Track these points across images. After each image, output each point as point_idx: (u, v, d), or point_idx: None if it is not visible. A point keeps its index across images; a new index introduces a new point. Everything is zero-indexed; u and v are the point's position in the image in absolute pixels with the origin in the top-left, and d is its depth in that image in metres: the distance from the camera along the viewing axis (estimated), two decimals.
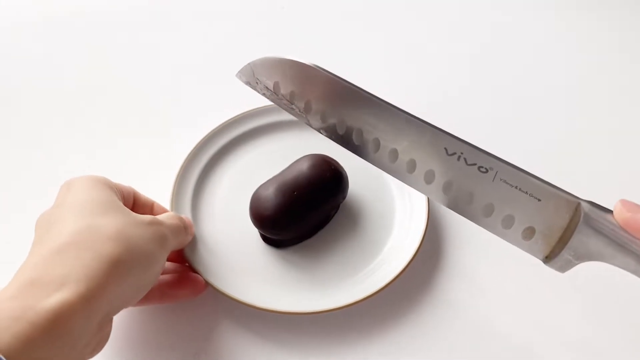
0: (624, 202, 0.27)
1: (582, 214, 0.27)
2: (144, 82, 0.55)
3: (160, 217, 0.35)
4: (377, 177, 0.44)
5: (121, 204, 0.33)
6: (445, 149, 0.30)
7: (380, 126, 0.31)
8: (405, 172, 0.32)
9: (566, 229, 0.28)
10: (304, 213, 0.39)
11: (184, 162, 0.44)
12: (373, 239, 0.42)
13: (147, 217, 0.33)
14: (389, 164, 0.32)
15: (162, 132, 0.51)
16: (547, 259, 0.30)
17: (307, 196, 0.39)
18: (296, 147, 0.44)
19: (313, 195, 0.39)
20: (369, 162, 0.33)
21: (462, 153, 0.29)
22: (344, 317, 0.38)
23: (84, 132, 0.50)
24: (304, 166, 0.40)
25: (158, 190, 0.42)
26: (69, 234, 0.29)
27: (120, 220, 0.31)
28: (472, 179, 0.30)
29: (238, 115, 0.47)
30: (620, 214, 0.27)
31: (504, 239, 0.30)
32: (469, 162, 0.29)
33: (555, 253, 0.29)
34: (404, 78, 0.57)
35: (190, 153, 0.45)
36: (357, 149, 0.33)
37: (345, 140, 0.33)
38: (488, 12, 0.63)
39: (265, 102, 0.47)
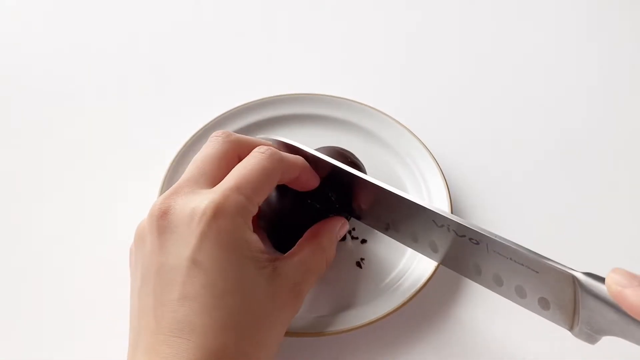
0: (616, 273, 0.24)
1: (580, 288, 0.26)
2: (139, 74, 0.52)
3: (303, 267, 0.31)
4: (390, 170, 0.42)
5: (255, 274, 0.28)
6: (433, 221, 0.31)
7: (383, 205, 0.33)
8: (411, 242, 0.34)
9: (575, 301, 0.27)
10: (320, 217, 0.35)
11: (176, 156, 0.40)
12: (393, 246, 0.37)
13: (288, 303, 0.29)
14: (396, 235, 0.34)
15: (153, 122, 0.48)
16: (572, 330, 0.28)
17: (323, 198, 0.35)
18: (306, 142, 0.40)
19: (328, 196, 0.35)
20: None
21: (449, 225, 0.30)
22: (355, 335, 0.34)
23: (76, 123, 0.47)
24: None
25: (148, 187, 0.39)
26: (202, 356, 0.25)
27: (257, 333, 0.27)
28: (469, 250, 0.30)
29: (240, 107, 0.44)
30: (610, 288, 0.24)
31: (525, 308, 0.30)
32: (459, 234, 0.30)
33: (576, 324, 0.27)
34: (408, 75, 0.54)
35: (183, 146, 0.41)
36: (369, 224, 0.36)
37: (357, 216, 0.36)
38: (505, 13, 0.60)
39: (269, 93, 0.45)
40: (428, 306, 0.36)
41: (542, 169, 0.45)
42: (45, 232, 0.40)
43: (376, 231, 0.36)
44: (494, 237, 0.28)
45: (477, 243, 0.29)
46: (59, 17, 0.57)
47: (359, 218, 0.36)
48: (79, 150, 0.45)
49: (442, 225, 0.30)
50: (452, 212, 0.38)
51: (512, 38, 0.57)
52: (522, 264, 0.28)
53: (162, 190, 0.38)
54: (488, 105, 0.50)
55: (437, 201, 0.39)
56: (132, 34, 0.55)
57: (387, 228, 0.34)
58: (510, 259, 0.28)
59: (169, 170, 0.39)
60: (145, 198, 0.37)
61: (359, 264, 0.37)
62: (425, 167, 0.41)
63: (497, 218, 0.41)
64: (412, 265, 0.36)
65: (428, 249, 0.33)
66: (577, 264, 0.27)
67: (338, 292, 0.36)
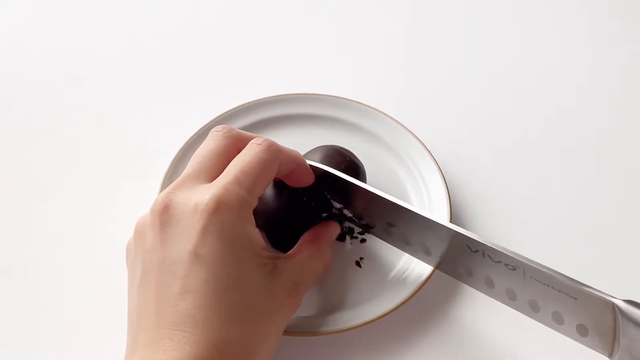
0: None
1: (620, 316, 0.25)
2: (139, 74, 0.52)
3: (300, 270, 0.31)
4: (389, 170, 0.42)
5: (256, 270, 0.28)
6: (468, 246, 0.30)
7: (406, 224, 0.33)
8: (441, 265, 0.33)
9: (615, 328, 0.26)
10: (315, 216, 0.35)
11: (175, 156, 0.40)
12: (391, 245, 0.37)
13: (288, 300, 0.29)
14: (425, 257, 0.34)
15: (153, 122, 0.47)
16: (611, 357, 0.27)
17: (319, 197, 0.35)
18: (306, 142, 0.40)
19: (324, 195, 0.35)
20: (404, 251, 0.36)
21: (484, 251, 0.29)
22: (355, 335, 0.34)
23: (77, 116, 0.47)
24: (315, 159, 0.36)
25: (147, 187, 0.39)
26: (204, 349, 0.25)
27: (258, 328, 0.27)
28: (504, 275, 0.29)
29: (239, 106, 0.43)
30: None
31: (562, 334, 0.29)
32: (494, 260, 0.29)
33: (616, 351, 0.27)
34: (409, 75, 0.53)
35: (183, 146, 0.40)
36: (390, 241, 0.36)
37: (375, 232, 0.36)
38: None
39: (269, 93, 0.45)
40: (428, 305, 0.36)
41: (543, 171, 0.45)
42: (45, 232, 0.40)
43: None
44: (531, 264, 0.28)
45: (514, 269, 0.28)
46: (58, 16, 0.57)
47: (358, 223, 0.36)
48: (78, 150, 0.45)
49: (477, 251, 0.30)
50: (451, 213, 0.38)
51: (512, 39, 0.57)
52: (560, 291, 0.27)
53: (162, 190, 0.38)
54: (488, 105, 0.50)
55: (436, 202, 0.39)
56: (132, 34, 0.55)
57: (395, 239, 0.35)
58: (548, 285, 0.27)
59: (168, 170, 0.39)
60: (145, 198, 0.36)
61: (358, 264, 0.37)
62: (425, 168, 0.41)
63: (496, 218, 0.41)
64: (411, 264, 0.36)
65: (464, 276, 0.32)
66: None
67: (337, 291, 0.36)
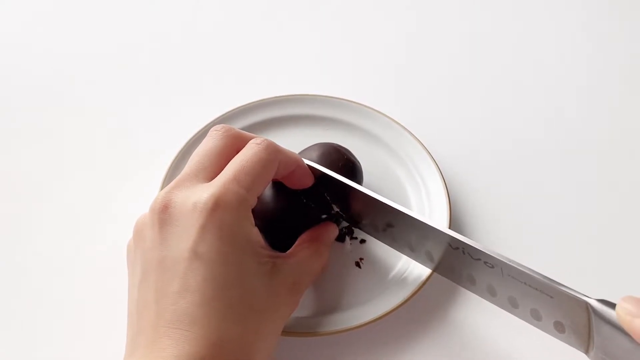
0: (626, 301, 0.24)
1: (593, 315, 0.26)
2: (140, 74, 0.52)
3: (298, 269, 0.31)
4: (389, 170, 0.42)
5: (255, 268, 0.28)
6: (449, 244, 0.30)
7: (401, 226, 0.33)
8: (426, 261, 0.34)
9: (589, 326, 0.26)
10: (314, 217, 0.35)
11: (176, 156, 0.40)
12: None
13: (286, 300, 0.30)
14: (410, 253, 0.34)
15: (153, 123, 0.47)
16: (588, 354, 0.28)
17: (318, 198, 0.35)
18: (305, 143, 0.40)
19: (323, 196, 0.35)
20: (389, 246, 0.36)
21: (463, 248, 0.30)
22: (354, 335, 0.34)
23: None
24: (312, 156, 0.36)
25: (148, 187, 0.39)
26: (203, 347, 0.25)
27: (257, 326, 0.27)
28: (484, 272, 0.30)
29: (239, 107, 0.44)
30: (620, 317, 0.24)
31: (541, 330, 0.30)
32: (474, 257, 0.29)
33: (591, 348, 0.27)
34: (407, 76, 0.53)
35: (183, 146, 0.41)
36: (375, 236, 0.36)
37: (363, 227, 0.36)
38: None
39: (268, 94, 0.45)
40: (427, 306, 0.36)
41: (543, 171, 0.45)
42: (45, 232, 0.40)
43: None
44: (508, 262, 0.28)
45: (492, 267, 0.29)
46: (58, 17, 0.57)
47: (356, 224, 0.36)
48: (79, 150, 0.45)
49: (457, 248, 0.30)
50: (450, 214, 0.38)
51: (511, 39, 0.56)
52: (537, 289, 0.28)
53: (163, 185, 0.38)
54: (488, 105, 0.50)
55: (435, 202, 0.39)
56: (132, 34, 0.55)
57: (390, 239, 0.35)
58: (525, 283, 0.28)
59: (169, 170, 0.39)
60: (145, 198, 0.36)
61: (358, 264, 0.37)
62: (424, 168, 0.41)
63: (495, 218, 0.41)
64: (411, 265, 0.36)
65: (448, 273, 0.33)
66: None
67: (337, 292, 0.36)
